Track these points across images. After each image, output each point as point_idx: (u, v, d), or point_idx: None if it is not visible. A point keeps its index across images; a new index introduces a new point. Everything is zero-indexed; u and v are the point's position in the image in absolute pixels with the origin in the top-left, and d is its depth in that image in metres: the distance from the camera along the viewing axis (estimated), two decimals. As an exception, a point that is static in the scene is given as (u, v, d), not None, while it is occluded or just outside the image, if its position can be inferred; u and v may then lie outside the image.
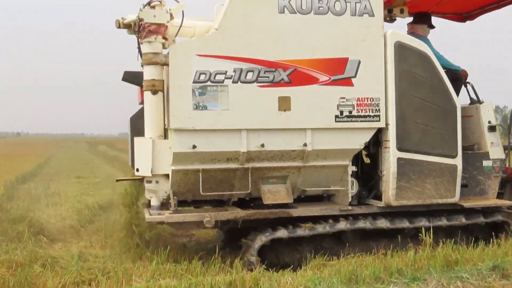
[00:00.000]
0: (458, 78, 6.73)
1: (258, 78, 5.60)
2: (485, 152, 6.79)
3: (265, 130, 5.67)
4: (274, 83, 5.65)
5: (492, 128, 6.80)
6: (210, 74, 5.47)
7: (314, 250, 6.03)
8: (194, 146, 5.48)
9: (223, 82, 5.51)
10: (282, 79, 5.67)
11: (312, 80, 5.76)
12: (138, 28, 5.86)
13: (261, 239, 5.70)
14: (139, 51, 6.00)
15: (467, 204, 6.36)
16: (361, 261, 5.48)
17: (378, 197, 6.39)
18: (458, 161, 6.27)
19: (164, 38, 5.92)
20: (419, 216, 6.28)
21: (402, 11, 6.69)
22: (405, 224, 6.12)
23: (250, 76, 5.57)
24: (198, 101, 5.46)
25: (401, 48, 6.00)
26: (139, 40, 5.93)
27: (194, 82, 5.45)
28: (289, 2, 5.68)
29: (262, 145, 5.64)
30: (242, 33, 5.56)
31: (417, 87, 6.09)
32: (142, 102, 7.87)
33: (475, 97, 7.00)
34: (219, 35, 5.52)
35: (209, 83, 5.48)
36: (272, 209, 5.97)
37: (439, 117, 6.20)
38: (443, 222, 6.25)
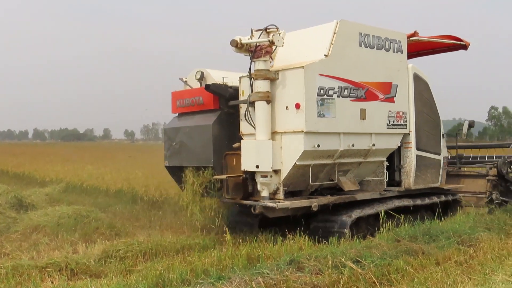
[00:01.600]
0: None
1: (350, 94, 7.40)
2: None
3: (352, 133, 7.47)
4: (358, 98, 7.51)
5: (442, 135, 9.83)
6: (326, 90, 7.05)
7: (365, 225, 7.96)
8: (318, 145, 6.95)
9: (332, 96, 7.14)
10: (362, 95, 7.58)
11: (376, 97, 7.81)
12: (255, 49, 7.03)
13: (352, 216, 7.42)
14: (250, 68, 7.16)
15: (446, 187, 9.22)
16: (168, 264, 5.74)
17: (390, 184, 8.70)
18: (441, 157, 9.08)
19: (271, 57, 7.22)
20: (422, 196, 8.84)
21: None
22: (426, 201, 8.61)
23: (345, 92, 7.33)
24: (320, 110, 6.97)
25: (416, 77, 8.53)
26: (253, 59, 7.09)
27: (318, 95, 6.95)
28: (364, 38, 7.64)
29: (353, 145, 7.42)
30: (342, 59, 7.30)
31: (424, 105, 8.70)
32: (175, 111, 8.71)
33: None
34: (329, 60, 7.13)
35: (325, 96, 7.04)
36: (346, 195, 7.75)
37: (433, 126, 8.92)
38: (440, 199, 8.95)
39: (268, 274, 4.96)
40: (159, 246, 6.78)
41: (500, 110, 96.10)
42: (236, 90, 7.80)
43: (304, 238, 6.74)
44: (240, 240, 7.17)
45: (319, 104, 6.98)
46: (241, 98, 7.66)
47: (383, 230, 7.27)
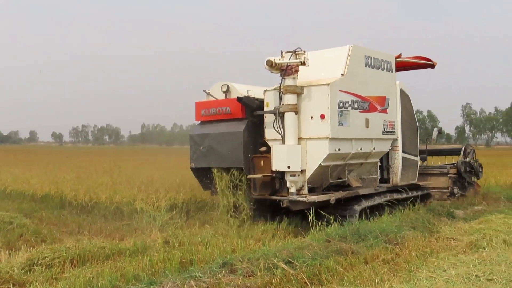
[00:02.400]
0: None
1: (359, 107, 8.93)
2: (413, 154, 11.63)
3: (360, 139, 9.00)
4: (364, 110, 9.07)
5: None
6: (343, 103, 8.52)
7: (363, 215, 9.50)
8: (339, 149, 8.40)
9: (348, 108, 8.63)
10: (366, 107, 9.14)
11: (375, 109, 9.42)
12: (285, 68, 8.36)
13: (361, 206, 8.94)
14: (281, 84, 8.47)
15: (421, 183, 11.05)
16: (97, 270, 5.67)
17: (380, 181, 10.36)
18: (417, 159, 10.90)
19: (297, 75, 8.59)
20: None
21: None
22: (419, 193, 10.37)
23: (356, 105, 8.85)
24: (339, 120, 8.43)
25: (402, 92, 10.27)
26: (284, 76, 8.42)
27: (338, 107, 8.40)
28: (368, 60, 9.22)
29: (361, 149, 8.96)
30: (354, 78, 8.81)
31: (407, 115, 10.46)
32: (199, 119, 9.84)
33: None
34: (345, 78, 8.61)
35: (343, 108, 8.51)
36: (353, 190, 9.28)
37: (412, 132, 10.72)
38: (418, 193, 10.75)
39: (201, 277, 4.98)
40: (87, 252, 6.56)
41: (425, 114, 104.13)
42: (261, 102, 9.07)
43: (238, 240, 7.00)
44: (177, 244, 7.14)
45: (339, 115, 8.43)
46: (266, 109, 8.94)
47: (313, 231, 7.57)
